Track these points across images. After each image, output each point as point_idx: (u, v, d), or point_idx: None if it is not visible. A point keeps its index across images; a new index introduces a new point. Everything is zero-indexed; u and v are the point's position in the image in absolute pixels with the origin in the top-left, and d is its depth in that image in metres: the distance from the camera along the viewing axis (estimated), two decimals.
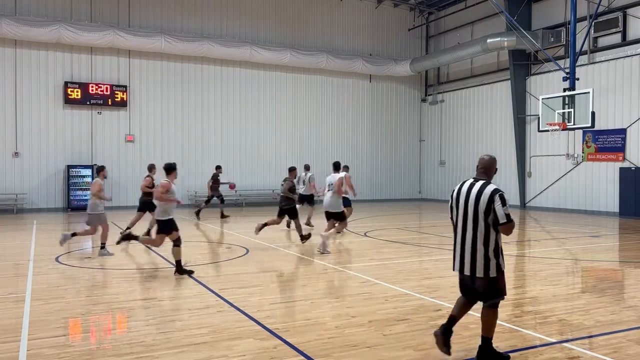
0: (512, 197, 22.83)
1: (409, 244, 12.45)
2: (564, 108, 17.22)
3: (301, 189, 14.73)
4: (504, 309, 6.73)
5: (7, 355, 5.03)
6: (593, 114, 16.56)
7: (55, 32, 20.59)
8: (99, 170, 11.52)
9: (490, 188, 4.64)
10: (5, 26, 19.79)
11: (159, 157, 23.45)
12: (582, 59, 20.14)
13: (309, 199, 15.12)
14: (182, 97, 23.90)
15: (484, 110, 25.60)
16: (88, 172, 21.80)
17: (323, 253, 10.76)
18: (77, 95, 21.76)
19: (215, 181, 18.30)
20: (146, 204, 12.86)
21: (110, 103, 22.32)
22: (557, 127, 17.15)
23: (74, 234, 11.02)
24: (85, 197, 21.88)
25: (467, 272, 4.75)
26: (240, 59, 24.32)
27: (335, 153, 26.54)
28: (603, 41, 20.32)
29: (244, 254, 10.93)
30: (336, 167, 12.01)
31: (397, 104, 28.98)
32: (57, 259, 10.26)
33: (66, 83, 21.64)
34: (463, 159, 26.76)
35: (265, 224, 12.13)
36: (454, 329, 4.98)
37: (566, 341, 5.46)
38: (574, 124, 17.00)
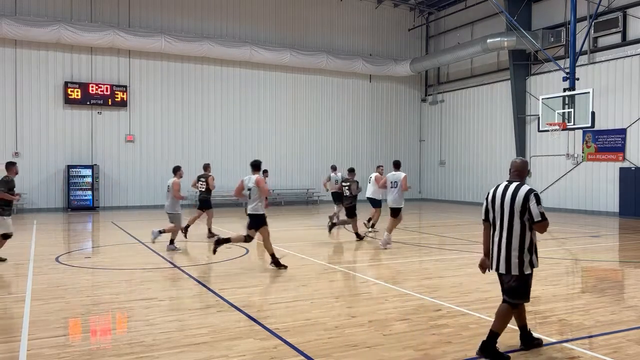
0: None
1: (409, 244, 12.45)
2: (564, 108, 17.22)
3: (335, 188, 15.15)
4: None
5: (7, 355, 5.03)
6: (593, 114, 16.55)
7: (55, 32, 20.58)
8: (176, 171, 11.83)
9: (525, 188, 4.93)
10: (5, 26, 19.79)
11: (159, 157, 23.52)
12: (582, 59, 20.14)
13: (340, 197, 15.34)
14: (182, 97, 23.90)
15: (484, 110, 25.60)
16: (88, 172, 21.79)
17: (385, 248, 11.49)
18: (77, 95, 21.75)
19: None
20: (205, 202, 13.37)
21: (110, 103, 22.32)
22: (557, 127, 17.15)
23: (162, 231, 11.52)
24: (86, 197, 21.92)
25: (502, 270, 4.97)
26: (240, 59, 24.32)
27: (335, 153, 26.56)
28: (603, 41, 20.32)
29: (244, 254, 10.93)
30: (397, 165, 12.35)
31: (397, 104, 28.97)
32: (57, 259, 10.26)
33: (66, 83, 21.64)
34: (463, 159, 26.76)
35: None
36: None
37: (566, 341, 5.46)
38: (574, 124, 16.99)
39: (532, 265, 4.92)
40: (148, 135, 23.31)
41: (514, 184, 5.02)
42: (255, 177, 9.36)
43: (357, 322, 6.04)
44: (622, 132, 19.48)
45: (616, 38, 19.86)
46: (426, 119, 29.42)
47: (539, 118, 18.40)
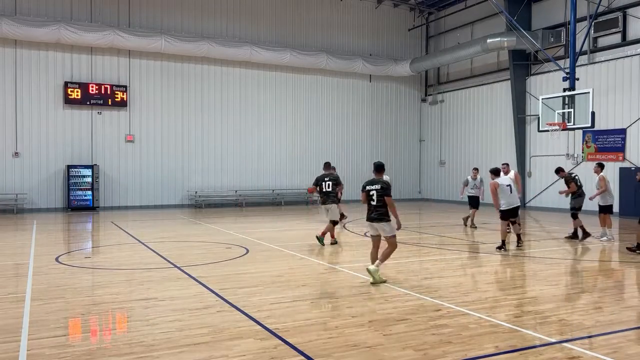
0: None
1: (409, 244, 12.45)
2: (563, 108, 17.21)
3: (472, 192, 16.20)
4: (504, 308, 6.74)
5: (7, 355, 5.03)
6: (593, 114, 16.54)
7: (55, 32, 20.58)
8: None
9: None
10: (5, 26, 19.79)
11: (159, 157, 23.52)
12: (582, 59, 20.13)
13: (476, 201, 16.15)
14: (182, 97, 23.90)
15: (484, 110, 25.59)
16: (88, 172, 21.78)
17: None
18: (77, 95, 21.75)
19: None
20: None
21: (110, 103, 22.32)
22: (557, 127, 17.14)
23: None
24: (86, 197, 21.92)
25: None
26: (240, 59, 24.32)
27: (335, 153, 26.55)
28: (603, 41, 20.31)
29: (244, 254, 10.94)
30: (601, 166, 13.62)
31: (397, 104, 28.98)
32: (57, 259, 10.26)
33: (66, 83, 21.64)
34: (463, 159, 26.75)
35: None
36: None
37: (566, 341, 5.46)
38: (574, 124, 16.99)
39: None
40: (148, 135, 23.31)
41: None
42: (513, 172, 12.04)
43: (357, 322, 6.04)
44: (622, 132, 19.48)
45: (616, 38, 19.86)
46: (426, 119, 29.42)
47: (539, 118, 18.39)
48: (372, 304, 6.90)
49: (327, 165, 12.89)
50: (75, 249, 12.28)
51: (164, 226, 16.57)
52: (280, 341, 5.39)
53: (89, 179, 21.84)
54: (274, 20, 25.52)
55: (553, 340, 5.48)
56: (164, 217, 19.36)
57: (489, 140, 25.25)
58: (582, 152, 20.78)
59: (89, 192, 21.89)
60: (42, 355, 5.00)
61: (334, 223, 12.17)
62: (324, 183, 12.20)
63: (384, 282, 8.12)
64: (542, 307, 6.80)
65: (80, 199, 21.82)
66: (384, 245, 8.53)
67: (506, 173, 14.42)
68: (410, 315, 6.36)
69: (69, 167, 21.61)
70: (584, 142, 20.71)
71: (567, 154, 21.27)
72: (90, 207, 21.89)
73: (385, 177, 12.18)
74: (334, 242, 12.16)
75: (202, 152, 24.28)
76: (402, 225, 8.64)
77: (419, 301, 7.04)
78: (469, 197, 16.16)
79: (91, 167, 21.85)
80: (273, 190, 25.62)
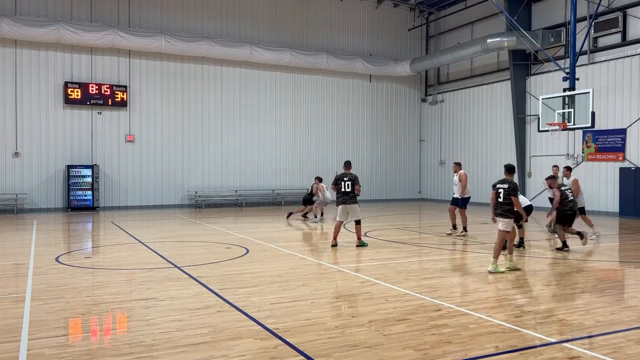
0: None
1: (409, 244, 12.44)
2: (564, 108, 17.21)
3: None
4: (504, 308, 6.73)
5: (7, 355, 5.03)
6: (593, 114, 16.54)
7: (55, 32, 20.59)
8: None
9: None
10: (5, 26, 19.79)
11: (159, 157, 23.52)
12: (582, 59, 20.14)
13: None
14: (182, 97, 23.90)
15: (484, 110, 25.60)
16: (88, 172, 21.78)
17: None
18: (77, 95, 21.75)
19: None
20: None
21: (110, 103, 22.32)
22: (557, 127, 17.14)
23: None
24: (86, 197, 21.92)
25: None
26: (240, 59, 24.32)
27: (335, 153, 26.56)
28: (603, 41, 20.32)
29: (244, 254, 10.94)
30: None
31: (397, 104, 28.98)
32: (57, 259, 10.26)
33: (66, 83, 21.64)
34: (463, 159, 26.70)
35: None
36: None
37: (566, 341, 5.46)
38: (574, 124, 16.98)
39: None
40: (148, 135, 23.31)
41: None
42: (460, 172, 13.42)
43: (357, 322, 6.04)
44: (622, 132, 19.48)
45: (616, 38, 19.86)
46: (426, 119, 29.42)
47: (539, 118, 18.39)
48: (372, 304, 6.90)
49: (348, 165, 12.54)
50: (75, 249, 12.28)
51: (164, 226, 16.58)
52: (280, 341, 5.39)
53: (89, 179, 21.84)
54: (274, 20, 25.52)
55: (553, 340, 5.48)
56: (164, 217, 19.36)
57: (489, 140, 25.25)
58: (582, 152, 20.78)
59: (89, 192, 21.89)
60: (42, 355, 5.00)
61: (358, 222, 12.05)
62: (343, 183, 11.91)
63: (519, 269, 9.26)
64: (542, 307, 6.80)
65: (80, 199, 21.82)
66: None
67: (455, 172, 14.32)
68: (410, 315, 6.36)
69: (69, 167, 21.61)
70: (584, 142, 20.71)
71: (567, 154, 21.27)
72: (90, 207, 21.89)
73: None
74: (335, 245, 12.00)
75: (202, 152, 24.28)
76: (526, 218, 9.80)
77: (419, 301, 7.04)
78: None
79: (91, 167, 21.85)
80: (273, 190, 25.61)
